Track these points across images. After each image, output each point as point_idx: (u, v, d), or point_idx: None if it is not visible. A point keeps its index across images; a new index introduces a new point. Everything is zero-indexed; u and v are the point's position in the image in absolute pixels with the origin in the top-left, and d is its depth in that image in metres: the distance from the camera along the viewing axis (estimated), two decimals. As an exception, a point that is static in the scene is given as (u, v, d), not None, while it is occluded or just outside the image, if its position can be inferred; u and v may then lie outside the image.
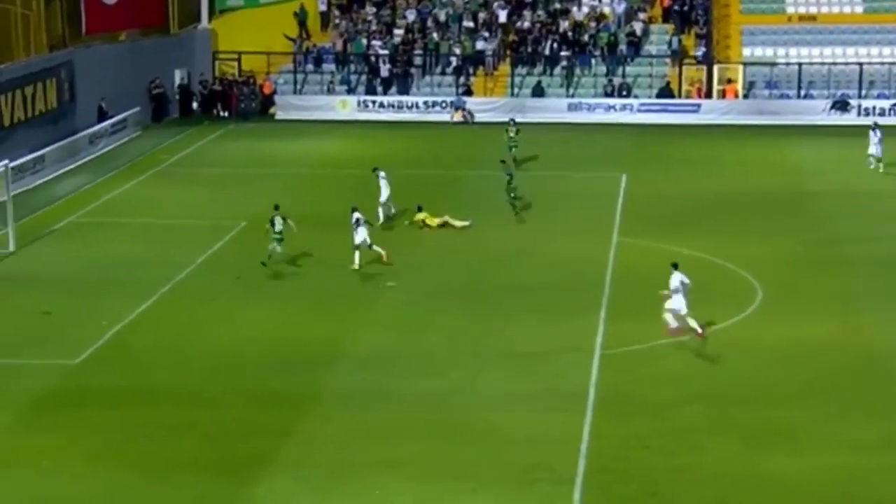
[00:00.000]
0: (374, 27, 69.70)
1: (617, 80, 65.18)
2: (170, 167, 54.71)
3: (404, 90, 66.20)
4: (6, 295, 37.40)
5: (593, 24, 68.26)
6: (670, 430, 27.65)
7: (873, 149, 51.39)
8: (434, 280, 38.50)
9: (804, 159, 54.37)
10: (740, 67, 65.57)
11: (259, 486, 25.20)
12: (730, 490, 25.01)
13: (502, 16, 69.13)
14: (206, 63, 67.63)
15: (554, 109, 63.80)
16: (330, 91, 66.77)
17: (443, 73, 67.21)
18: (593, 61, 66.83)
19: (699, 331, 32.73)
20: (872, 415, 28.44)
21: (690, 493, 24.91)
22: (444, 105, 63.87)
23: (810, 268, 39.29)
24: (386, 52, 67.44)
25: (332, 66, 68.14)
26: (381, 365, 31.73)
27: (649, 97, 64.56)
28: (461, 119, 63.28)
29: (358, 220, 38.56)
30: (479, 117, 62.27)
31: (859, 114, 61.20)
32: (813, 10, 68.19)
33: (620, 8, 68.94)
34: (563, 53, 66.81)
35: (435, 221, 43.64)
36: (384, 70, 66.60)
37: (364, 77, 67.22)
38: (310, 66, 68.21)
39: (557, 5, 69.53)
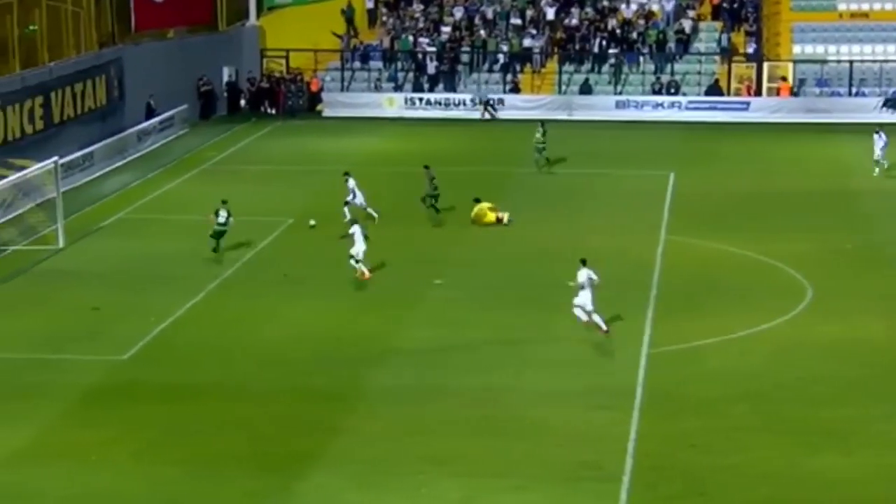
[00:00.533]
0: (421, 24, 69.72)
1: (665, 78, 64.90)
2: (217, 164, 54.92)
3: (451, 87, 66.16)
4: (56, 290, 37.63)
5: (642, 22, 68.01)
6: (718, 428, 27.48)
7: (878, 153, 50.12)
8: (481, 277, 38.43)
9: (854, 157, 53.87)
10: (790, 65, 65.12)
11: (306, 481, 25.20)
12: (778, 489, 24.79)
13: (550, 13, 69.00)
14: (253, 60, 67.88)
15: (602, 107, 63.63)
16: (377, 88, 66.86)
17: (490, 70, 67.17)
18: (641, 59, 66.57)
19: (603, 328, 32.76)
20: (924, 414, 28.17)
21: (738, 492, 24.72)
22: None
23: (860, 266, 38.96)
24: (433, 49, 67.44)
25: (380, 64, 68.24)
26: (428, 361, 31.69)
27: (698, 95, 64.24)
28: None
29: (356, 231, 37.45)
30: (526, 115, 61.82)
31: (911, 111, 60.83)
32: (865, 6, 67.65)
33: (669, 5, 68.65)
34: (611, 51, 66.60)
35: (494, 211, 43.51)
36: (431, 67, 66.59)
37: (411, 74, 67.26)
38: (357, 64, 68.35)
39: (606, 3, 69.37)
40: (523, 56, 67.18)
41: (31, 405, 29.05)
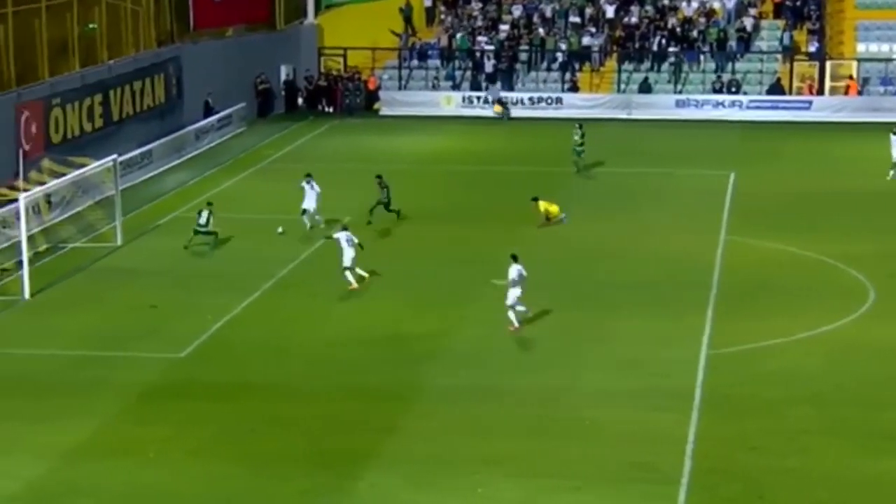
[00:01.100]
0: (479, 23, 69.58)
1: (726, 77, 64.39)
2: (274, 163, 55.01)
3: (509, 86, 65.95)
4: (113, 288, 37.79)
5: (702, 20, 67.52)
6: (778, 430, 27.14)
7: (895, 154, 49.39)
8: (537, 276, 38.06)
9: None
10: (854, 63, 64.42)
11: (361, 480, 25.12)
12: (839, 493, 24.45)
13: (610, 11, 68.66)
14: (311, 59, 68.01)
15: (661, 106, 63.23)
16: (434, 87, 66.80)
17: (548, 68, 66.92)
18: (702, 57, 66.08)
19: (515, 325, 32.98)
20: None
21: (798, 495, 24.39)
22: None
23: (924, 268, 38.40)
24: (491, 47, 67.26)
25: (437, 62, 68.18)
26: (484, 361, 31.54)
27: (759, 94, 63.69)
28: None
29: (349, 239, 36.82)
30: (586, 114, 61.31)
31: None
32: (930, 4, 66.91)
33: (731, 3, 68.11)
34: (671, 49, 66.16)
35: (554, 208, 43.26)
36: (489, 66, 66.43)
37: (469, 73, 67.13)
38: (414, 62, 68.33)
39: (666, 1, 68.90)
40: (582, 54, 66.87)
41: (89, 402, 29.17)
